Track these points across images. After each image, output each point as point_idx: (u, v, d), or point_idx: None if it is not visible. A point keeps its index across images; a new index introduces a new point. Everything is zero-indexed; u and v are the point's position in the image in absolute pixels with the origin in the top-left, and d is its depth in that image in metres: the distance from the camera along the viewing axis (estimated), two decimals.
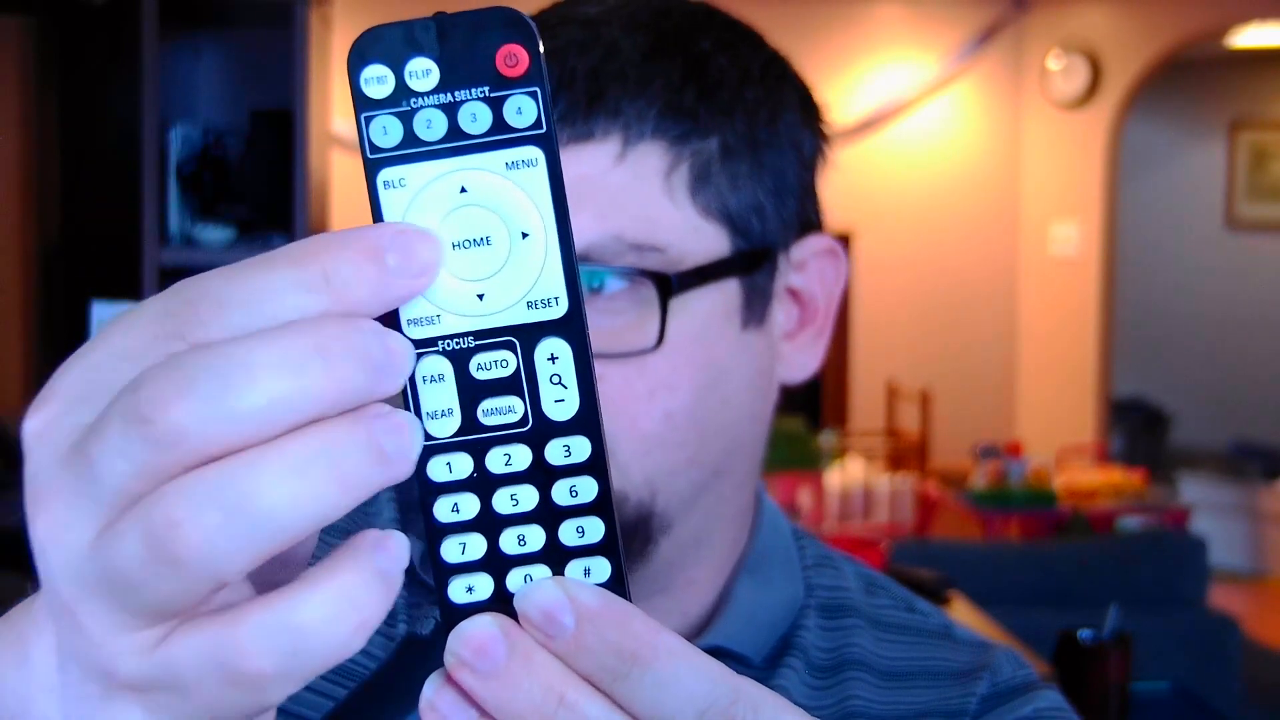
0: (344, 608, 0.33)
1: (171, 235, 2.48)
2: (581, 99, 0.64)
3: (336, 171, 3.11)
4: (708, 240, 0.66)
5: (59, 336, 2.85)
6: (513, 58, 0.35)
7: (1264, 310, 8.10)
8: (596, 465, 0.37)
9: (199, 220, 2.51)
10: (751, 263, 0.68)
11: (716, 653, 0.68)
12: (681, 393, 0.65)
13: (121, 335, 0.34)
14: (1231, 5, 6.47)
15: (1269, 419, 7.83)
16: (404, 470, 0.34)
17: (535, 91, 0.36)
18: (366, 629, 0.33)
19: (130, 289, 2.46)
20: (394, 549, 0.34)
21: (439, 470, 0.36)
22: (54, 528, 0.33)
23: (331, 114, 3.06)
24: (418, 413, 0.36)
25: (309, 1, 2.51)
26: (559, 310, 0.36)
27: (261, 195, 2.54)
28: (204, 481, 0.31)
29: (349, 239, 0.34)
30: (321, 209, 2.74)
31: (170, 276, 2.46)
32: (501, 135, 0.36)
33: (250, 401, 0.31)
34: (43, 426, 0.34)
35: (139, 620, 0.33)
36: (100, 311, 2.45)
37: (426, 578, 0.70)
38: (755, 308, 0.68)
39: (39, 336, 2.98)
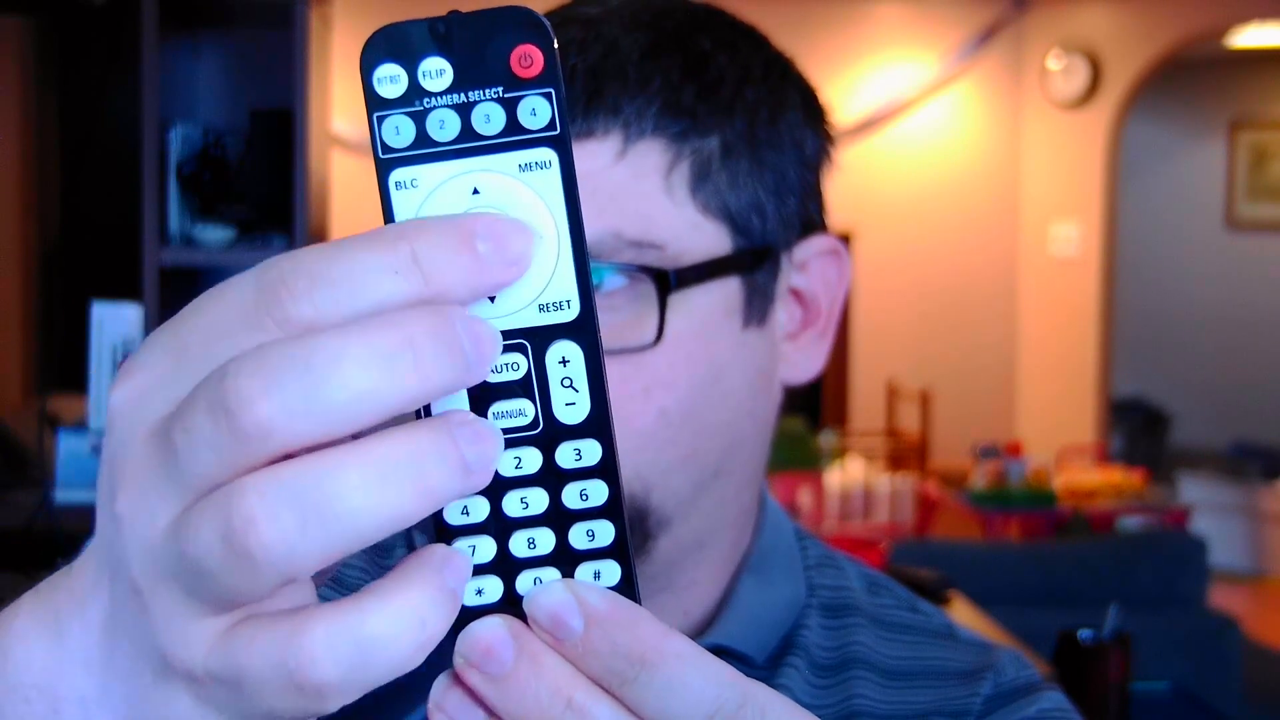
0: (412, 624, 0.33)
1: (171, 235, 2.48)
2: (581, 96, 0.64)
3: (336, 171, 3.11)
4: (708, 238, 0.66)
5: (59, 336, 2.85)
6: (527, 58, 0.35)
7: (1264, 310, 8.10)
8: (607, 469, 0.36)
9: (199, 220, 2.51)
10: (752, 261, 0.67)
11: (719, 652, 0.68)
12: (678, 390, 0.65)
13: (212, 307, 0.34)
14: (1231, 5, 6.47)
15: (1269, 419, 7.83)
16: (484, 481, 0.34)
17: (550, 93, 0.35)
18: (429, 647, 0.33)
19: (130, 289, 2.45)
20: (461, 567, 0.34)
21: None
22: (134, 508, 0.33)
23: (331, 114, 3.06)
24: (429, 414, 0.36)
25: (309, 1, 2.51)
26: (571, 313, 0.36)
27: (261, 195, 2.54)
28: (285, 479, 0.31)
29: (442, 224, 0.34)
30: (321, 209, 2.74)
31: (170, 276, 2.46)
32: (515, 136, 0.35)
33: (337, 398, 0.31)
34: (128, 399, 0.34)
35: (206, 609, 0.33)
36: (100, 311, 2.45)
37: None
38: (756, 307, 0.68)
39: (39, 336, 2.98)
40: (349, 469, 0.32)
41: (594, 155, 0.64)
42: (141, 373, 0.34)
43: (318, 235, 2.64)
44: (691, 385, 0.65)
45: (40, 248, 2.96)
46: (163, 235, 2.46)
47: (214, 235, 2.49)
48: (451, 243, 0.33)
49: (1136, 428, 7.52)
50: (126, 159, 2.53)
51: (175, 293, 2.53)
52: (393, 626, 0.33)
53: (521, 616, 0.36)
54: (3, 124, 2.99)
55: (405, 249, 0.33)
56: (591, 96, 0.64)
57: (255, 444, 0.31)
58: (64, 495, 2.35)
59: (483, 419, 0.34)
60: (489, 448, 0.33)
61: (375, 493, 0.32)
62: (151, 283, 2.43)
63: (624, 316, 0.64)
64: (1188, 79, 7.86)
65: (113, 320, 2.44)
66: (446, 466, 0.33)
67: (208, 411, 0.31)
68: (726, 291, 0.67)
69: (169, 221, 2.48)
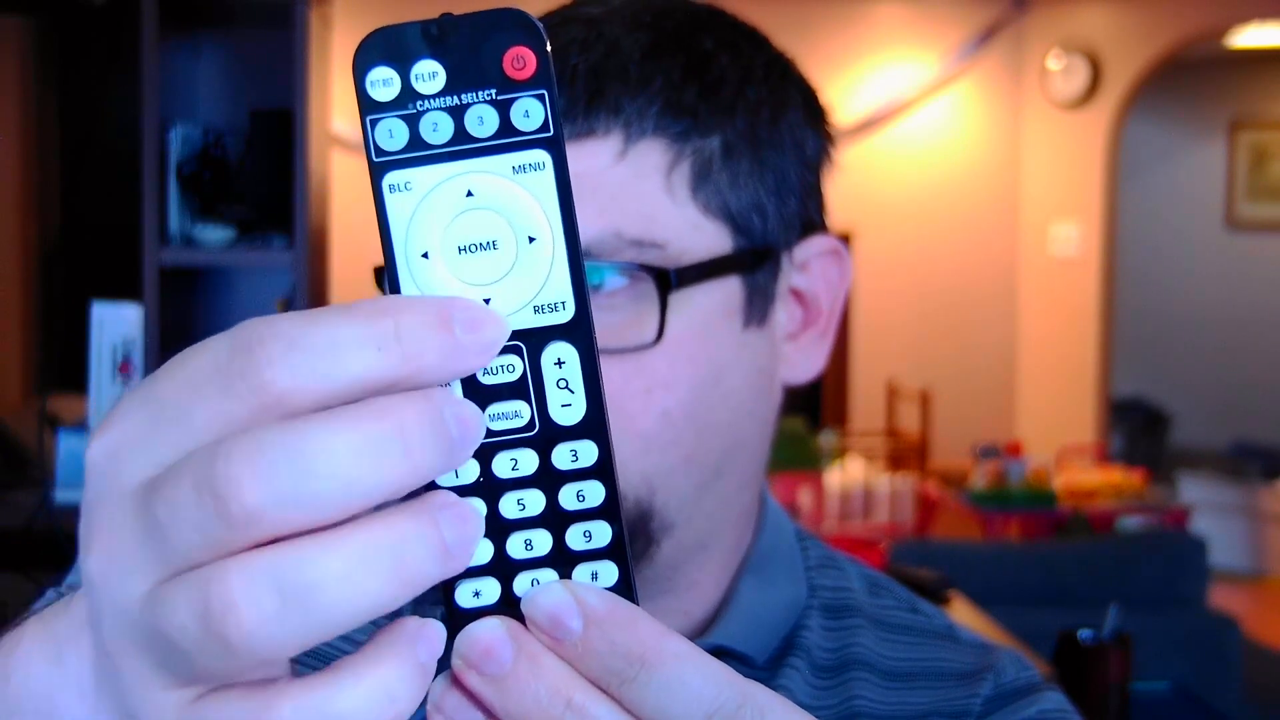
0: (382, 701, 0.33)
1: (171, 235, 2.48)
2: (582, 96, 0.64)
3: (336, 171, 3.11)
4: (708, 238, 0.66)
5: (59, 336, 2.85)
6: (520, 60, 0.35)
7: (1264, 310, 8.10)
8: (603, 470, 0.36)
9: (199, 220, 2.51)
10: (753, 261, 0.67)
11: (719, 653, 0.68)
12: (680, 390, 0.65)
13: (186, 366, 0.34)
14: (1231, 5, 6.47)
15: (1269, 419, 7.83)
16: (463, 563, 0.34)
17: (543, 94, 0.35)
18: None
19: (130, 289, 2.45)
20: (434, 640, 0.34)
21: (445, 475, 0.36)
22: (106, 571, 0.33)
23: (331, 114, 3.06)
24: None
25: (309, 1, 2.51)
26: (566, 315, 0.36)
27: (261, 195, 2.54)
28: (265, 565, 0.31)
29: (424, 303, 0.34)
30: (321, 209, 2.74)
31: (170, 276, 2.46)
32: (508, 138, 0.35)
33: (327, 488, 0.31)
34: (105, 453, 0.34)
35: (176, 681, 0.33)
36: (100, 311, 2.45)
37: None
38: (757, 307, 0.68)
39: (39, 336, 2.98)
40: (332, 556, 0.32)
41: (595, 155, 0.64)
42: (118, 427, 0.34)
43: (318, 235, 2.64)
44: (692, 385, 0.65)
45: (40, 248, 2.96)
46: (163, 235, 2.46)
47: (214, 235, 2.49)
48: (432, 322, 0.33)
49: (1136, 428, 7.52)
50: (126, 159, 2.53)
51: (175, 293, 2.53)
52: (362, 703, 0.33)
53: (519, 618, 0.36)
54: (3, 124, 2.99)
55: (389, 324, 0.33)
56: (593, 96, 0.64)
57: (241, 529, 0.31)
58: (64, 495, 2.35)
59: (464, 500, 0.34)
60: (470, 530, 0.33)
61: (357, 581, 0.32)
62: (151, 283, 2.43)
63: (625, 316, 0.64)
64: (1188, 79, 7.86)
65: (113, 320, 2.44)
66: (427, 552, 0.33)
67: (195, 491, 0.31)
68: (727, 291, 0.67)
69: (169, 221, 2.48)
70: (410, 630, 0.34)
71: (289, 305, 2.49)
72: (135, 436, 0.34)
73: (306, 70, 2.50)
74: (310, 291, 2.50)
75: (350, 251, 3.84)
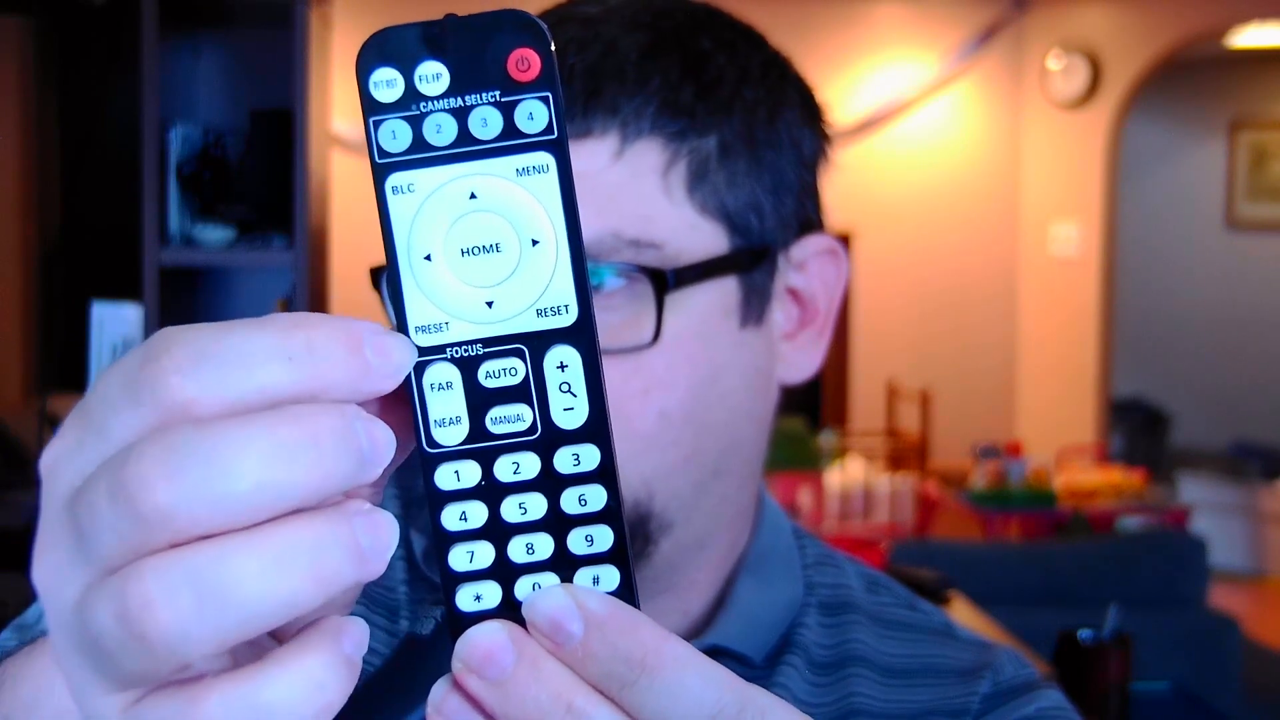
0: (309, 690, 0.33)
1: (171, 235, 2.48)
2: (579, 96, 0.64)
3: (336, 171, 3.11)
4: (705, 238, 0.66)
5: (59, 336, 2.85)
6: (524, 62, 0.35)
7: (1264, 310, 8.10)
8: (606, 473, 0.36)
9: (199, 220, 2.51)
10: (750, 261, 0.67)
11: (717, 652, 0.68)
12: (677, 391, 0.65)
13: (106, 379, 0.34)
14: (1231, 5, 6.47)
15: (1269, 419, 7.83)
16: (379, 568, 0.34)
17: (547, 96, 0.35)
18: (329, 712, 0.34)
19: (130, 289, 2.45)
20: (358, 634, 0.35)
21: (447, 478, 0.36)
22: (45, 578, 0.34)
23: (331, 114, 3.06)
24: (425, 420, 0.36)
25: (309, 1, 2.51)
26: (569, 318, 0.36)
27: (261, 195, 2.54)
28: (181, 564, 0.32)
29: (335, 322, 0.34)
30: (321, 209, 2.74)
31: (170, 276, 2.46)
32: (512, 140, 0.35)
33: (237, 488, 0.32)
34: (46, 467, 0.35)
35: (113, 686, 0.33)
36: (100, 311, 2.45)
37: (431, 574, 0.70)
38: (754, 307, 0.68)
39: (39, 336, 2.98)
40: (247, 555, 0.32)
41: (592, 155, 0.64)
42: (59, 442, 0.35)
43: (318, 235, 2.64)
44: (690, 385, 0.65)
45: (40, 248, 2.96)
46: (163, 235, 2.46)
47: (214, 235, 2.49)
48: (344, 341, 0.33)
49: (1136, 428, 7.52)
50: (126, 159, 2.53)
51: (175, 293, 2.53)
52: (289, 692, 0.33)
53: (520, 622, 0.36)
54: (3, 124, 2.99)
55: (301, 337, 0.33)
56: (590, 96, 0.64)
57: (155, 529, 0.32)
58: None
59: (379, 509, 0.34)
60: (384, 536, 0.34)
61: (272, 579, 0.32)
62: (151, 283, 2.43)
63: (622, 316, 0.64)
64: (1188, 79, 7.86)
65: (113, 320, 2.44)
66: (343, 554, 0.33)
67: (108, 494, 0.32)
68: (724, 291, 0.67)
69: (169, 221, 2.48)
70: (334, 623, 0.34)
71: (289, 305, 2.49)
72: (66, 449, 0.34)
73: (306, 70, 2.50)
74: (310, 291, 2.50)
75: (350, 251, 3.84)
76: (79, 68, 2.88)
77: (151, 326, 2.41)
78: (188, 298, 2.65)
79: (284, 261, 2.49)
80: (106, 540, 0.32)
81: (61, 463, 0.34)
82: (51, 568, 0.34)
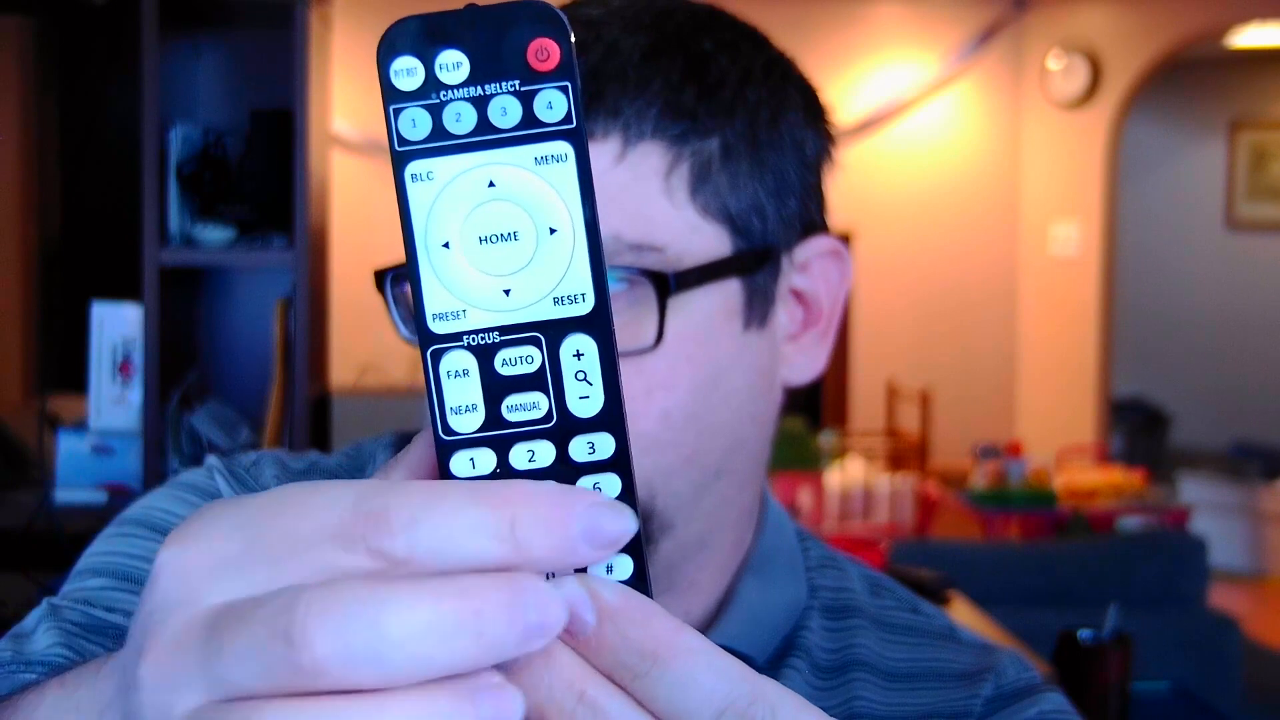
0: None
1: (171, 235, 2.48)
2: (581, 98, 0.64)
3: (336, 171, 3.11)
4: (707, 240, 0.66)
5: (59, 336, 2.85)
6: (544, 52, 0.35)
7: (1264, 310, 8.10)
8: (620, 462, 0.36)
9: (199, 220, 2.51)
10: (752, 263, 0.67)
11: None
12: (679, 392, 0.65)
13: (303, 513, 0.34)
14: (1231, 5, 6.47)
15: (1269, 419, 7.83)
16: None
17: (566, 86, 0.36)
18: None
19: (130, 289, 2.45)
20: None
21: (462, 465, 0.36)
22: (157, 681, 0.34)
23: (331, 114, 3.06)
24: (441, 407, 0.36)
25: (309, 1, 2.51)
26: (585, 307, 0.36)
27: (261, 195, 2.54)
28: (312, 714, 0.32)
29: (547, 497, 0.33)
30: (321, 209, 2.74)
31: (170, 276, 2.46)
32: (531, 130, 0.36)
33: (395, 656, 0.32)
34: (185, 565, 0.34)
35: None
36: (100, 311, 2.45)
37: None
38: (757, 308, 0.68)
39: (39, 336, 2.98)
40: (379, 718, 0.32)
41: (593, 157, 0.63)
42: (204, 544, 0.34)
43: (318, 235, 2.64)
44: (693, 387, 0.65)
45: (40, 248, 2.96)
46: (163, 235, 2.46)
47: (214, 235, 2.49)
48: (552, 519, 0.33)
49: (1136, 428, 7.53)
50: (126, 159, 2.53)
51: (175, 293, 2.53)
52: None
53: None
54: (3, 124, 2.99)
55: (507, 516, 0.33)
56: (591, 98, 0.64)
57: (305, 678, 0.32)
58: (64, 495, 2.35)
59: (507, 685, 0.34)
60: (507, 715, 0.33)
61: None
62: (151, 283, 2.43)
63: (624, 319, 0.63)
64: (1188, 79, 7.86)
65: (113, 320, 2.44)
66: None
67: (268, 634, 0.32)
68: (727, 293, 0.67)
69: (169, 221, 2.48)
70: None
71: (289, 305, 2.49)
72: (224, 559, 0.34)
73: (306, 70, 2.50)
74: (310, 291, 2.50)
75: (350, 251, 3.84)
76: (79, 68, 2.87)
77: (151, 326, 2.41)
78: (188, 298, 2.65)
79: (284, 261, 2.49)
80: (249, 672, 0.32)
81: (211, 569, 0.34)
82: (169, 671, 0.33)
